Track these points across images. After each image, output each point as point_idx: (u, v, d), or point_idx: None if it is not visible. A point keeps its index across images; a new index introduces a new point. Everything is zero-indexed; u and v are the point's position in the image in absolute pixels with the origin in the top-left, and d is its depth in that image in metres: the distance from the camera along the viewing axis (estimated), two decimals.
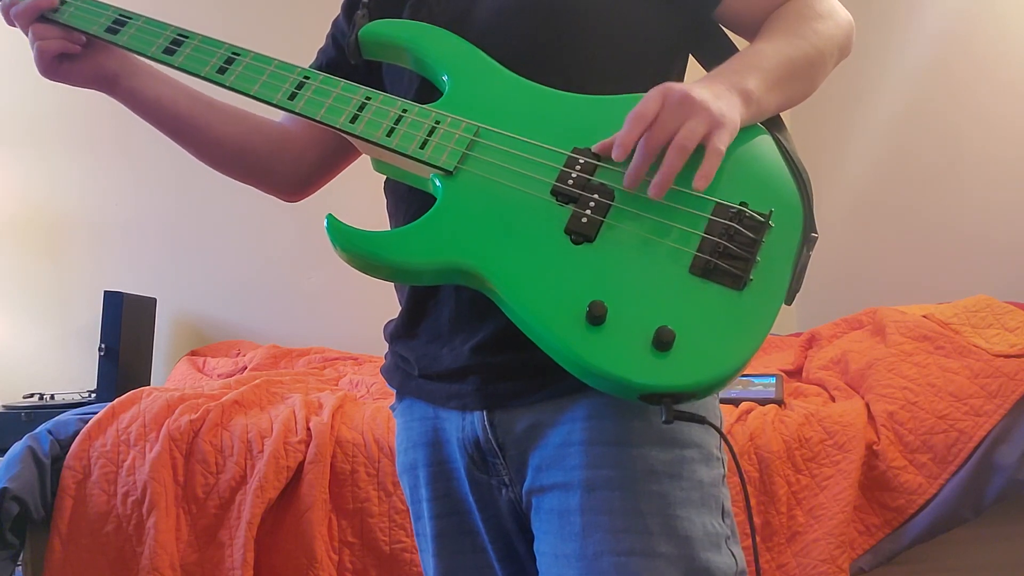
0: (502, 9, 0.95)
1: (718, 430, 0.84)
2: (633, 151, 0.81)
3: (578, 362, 0.77)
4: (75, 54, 1.01)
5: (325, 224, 0.85)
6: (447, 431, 0.97)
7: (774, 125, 0.91)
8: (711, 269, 0.80)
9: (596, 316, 0.77)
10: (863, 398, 2.01)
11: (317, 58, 1.15)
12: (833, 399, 2.09)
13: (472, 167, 0.87)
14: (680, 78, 1.02)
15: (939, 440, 1.85)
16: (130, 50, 0.99)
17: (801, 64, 0.92)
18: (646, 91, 0.91)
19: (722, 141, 0.80)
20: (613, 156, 0.81)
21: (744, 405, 1.98)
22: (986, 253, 2.77)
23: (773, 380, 2.08)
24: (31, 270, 3.17)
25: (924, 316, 2.19)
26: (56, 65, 1.01)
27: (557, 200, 0.84)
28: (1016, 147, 2.71)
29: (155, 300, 3.07)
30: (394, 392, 1.07)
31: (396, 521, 1.79)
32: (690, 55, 1.04)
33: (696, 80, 0.87)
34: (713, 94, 0.83)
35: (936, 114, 2.99)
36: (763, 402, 2.01)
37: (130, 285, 2.93)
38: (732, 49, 1.00)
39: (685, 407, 0.78)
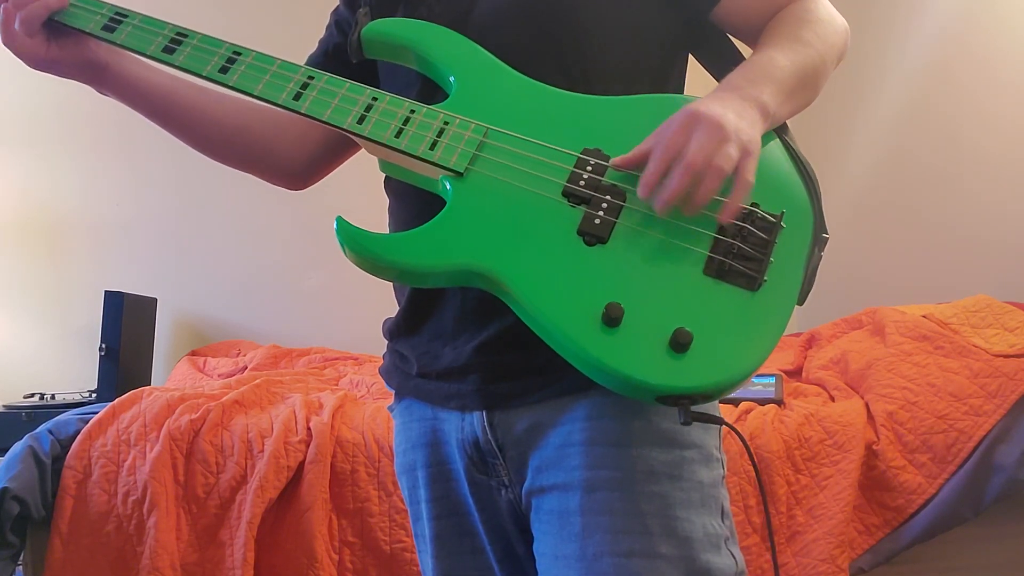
0: (501, 9, 0.95)
1: (737, 432, 0.84)
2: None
3: (595, 364, 0.77)
4: (64, 43, 0.97)
5: (335, 227, 0.84)
6: (446, 432, 0.97)
7: (780, 127, 0.91)
8: (725, 270, 0.80)
9: (613, 318, 0.77)
10: (863, 398, 2.01)
11: (320, 45, 1.14)
12: (833, 399, 2.09)
13: (482, 168, 0.86)
14: (681, 78, 1.02)
15: (939, 440, 1.86)
16: (128, 49, 0.97)
17: (809, 72, 0.92)
18: (648, 90, 0.92)
19: (750, 172, 0.80)
20: (639, 195, 0.80)
21: (744, 405, 1.98)
22: (986, 253, 2.77)
23: (773, 380, 2.08)
24: (31, 270, 3.16)
25: (924, 316, 2.20)
26: (41, 52, 0.96)
27: (569, 201, 0.84)
28: (1016, 147, 2.71)
29: (155, 300, 3.07)
30: (392, 393, 1.07)
31: (396, 521, 1.79)
32: (691, 55, 1.04)
33: (714, 93, 0.87)
34: (737, 115, 0.82)
35: (936, 114, 2.99)
36: (763, 402, 2.01)
37: (130, 285, 2.93)
38: (733, 50, 1.00)
39: (699, 408, 0.78)
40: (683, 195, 0.79)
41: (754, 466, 0.84)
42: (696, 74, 1.04)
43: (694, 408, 0.77)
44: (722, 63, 0.95)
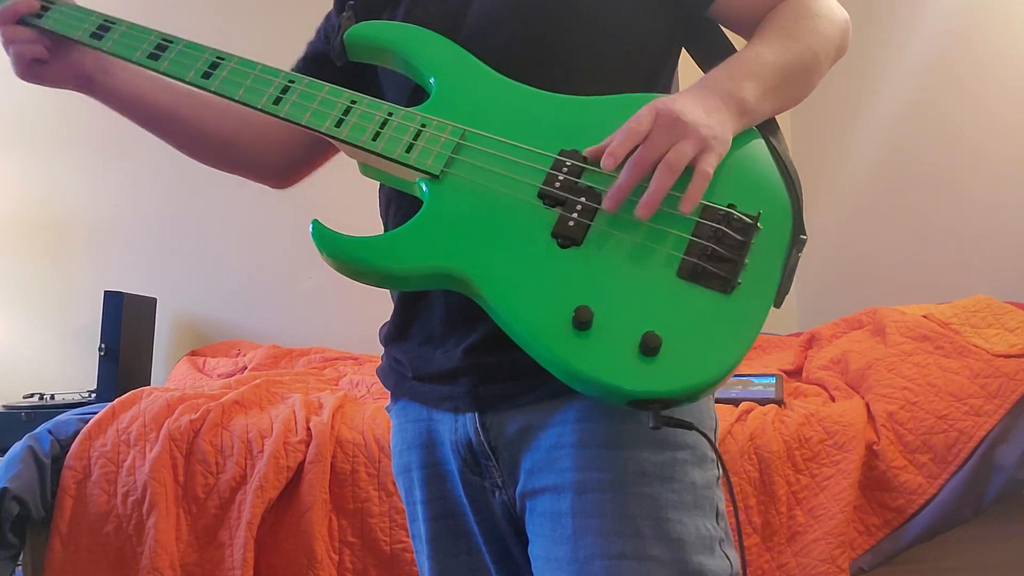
0: (497, 8, 0.95)
1: (705, 435, 0.83)
2: (623, 163, 0.81)
3: (564, 367, 0.77)
4: (53, 54, 1.00)
5: (311, 230, 0.84)
6: (440, 433, 0.97)
7: (766, 126, 0.90)
8: (699, 273, 0.79)
9: (582, 321, 0.77)
10: (863, 398, 2.01)
11: (305, 50, 1.14)
12: (833, 399, 2.09)
13: (458, 171, 0.86)
14: (671, 76, 1.01)
15: (939, 440, 1.85)
16: (115, 56, 0.99)
17: (798, 68, 0.91)
18: (637, 90, 0.91)
19: (709, 164, 0.80)
20: (603, 165, 0.81)
21: (744, 405, 1.98)
22: (986, 253, 2.76)
23: (773, 380, 2.07)
24: (31, 270, 3.17)
25: (924, 316, 2.19)
26: (33, 68, 1.00)
27: (544, 203, 0.84)
28: (1017, 147, 2.71)
29: (155, 300, 3.07)
30: (389, 393, 1.08)
31: (396, 521, 1.79)
32: (684, 51, 1.03)
33: (689, 89, 0.87)
34: (705, 111, 0.82)
35: (937, 113, 2.98)
36: (763, 402, 2.01)
37: (130, 285, 2.93)
38: (728, 45, 0.99)
39: (675, 412, 0.77)
40: (630, 193, 0.80)
41: (723, 468, 0.83)
42: (689, 71, 1.04)
43: (670, 413, 0.76)
44: (716, 60, 0.94)
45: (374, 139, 0.89)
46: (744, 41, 0.97)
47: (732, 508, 0.84)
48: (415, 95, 0.96)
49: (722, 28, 1.01)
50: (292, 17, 2.52)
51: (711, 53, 0.97)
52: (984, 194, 2.80)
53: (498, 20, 0.94)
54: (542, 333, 0.78)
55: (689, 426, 0.81)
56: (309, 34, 1.17)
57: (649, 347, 0.76)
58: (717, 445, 0.92)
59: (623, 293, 0.79)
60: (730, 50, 0.98)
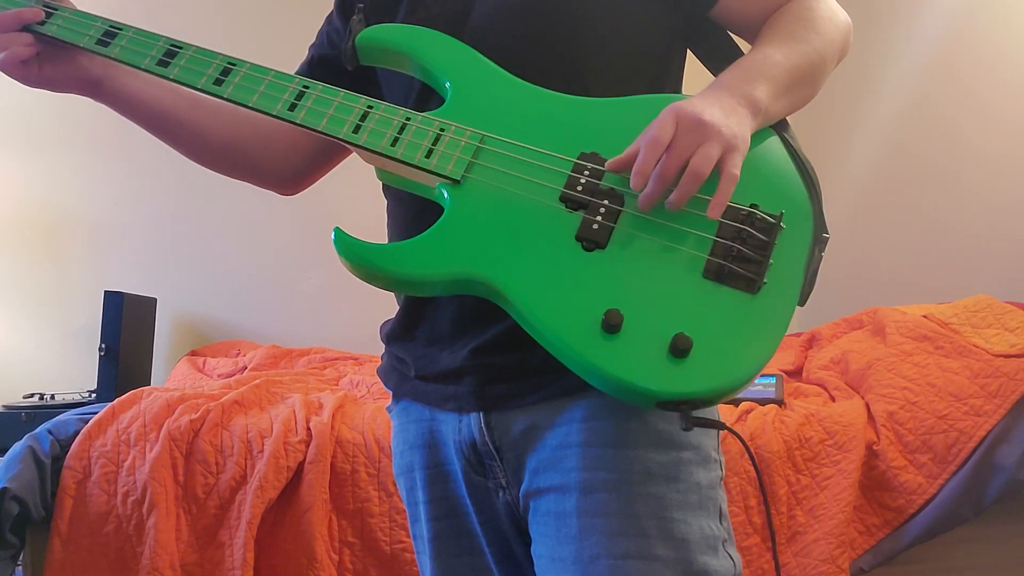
0: (501, 8, 0.95)
1: (739, 436, 0.84)
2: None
3: (596, 371, 0.77)
4: (57, 59, 0.98)
5: (332, 238, 0.84)
6: (443, 433, 0.97)
7: (779, 126, 0.91)
8: (724, 273, 0.80)
9: (612, 324, 0.77)
10: (863, 398, 2.01)
11: (308, 54, 1.13)
12: (833, 399, 2.09)
13: (479, 176, 0.86)
14: (679, 75, 1.02)
15: (939, 440, 1.86)
16: (123, 63, 0.97)
17: (806, 70, 0.92)
18: (646, 89, 0.91)
19: (736, 165, 0.80)
20: (632, 185, 0.81)
21: (744, 405, 1.98)
22: (986, 253, 2.77)
23: (773, 380, 2.07)
24: (31, 270, 3.16)
25: (924, 316, 2.20)
26: (33, 72, 0.98)
27: (566, 207, 0.84)
28: (1017, 147, 2.71)
29: (155, 300, 3.06)
30: (390, 393, 1.07)
31: (397, 521, 1.79)
32: (690, 51, 1.03)
33: (704, 91, 0.87)
34: (724, 112, 0.82)
35: (937, 114, 2.98)
36: (763, 402, 2.01)
37: (130, 285, 2.92)
38: (732, 46, 1.00)
39: (700, 412, 0.78)
40: (659, 200, 0.80)
41: (756, 469, 0.84)
42: (695, 71, 1.04)
43: (694, 413, 0.77)
44: (721, 60, 0.95)
45: (393, 145, 0.88)
46: (747, 43, 0.98)
47: (764, 506, 0.84)
48: (422, 98, 0.96)
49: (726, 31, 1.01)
50: (291, 19, 2.52)
51: (716, 54, 0.98)
52: (984, 194, 2.80)
53: (501, 21, 0.94)
54: (571, 337, 0.78)
55: (722, 425, 0.82)
56: (310, 37, 1.17)
57: (680, 349, 0.76)
58: (719, 446, 0.92)
59: (650, 295, 0.79)
60: (735, 51, 0.98)
